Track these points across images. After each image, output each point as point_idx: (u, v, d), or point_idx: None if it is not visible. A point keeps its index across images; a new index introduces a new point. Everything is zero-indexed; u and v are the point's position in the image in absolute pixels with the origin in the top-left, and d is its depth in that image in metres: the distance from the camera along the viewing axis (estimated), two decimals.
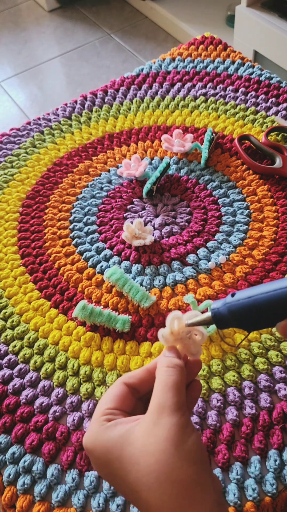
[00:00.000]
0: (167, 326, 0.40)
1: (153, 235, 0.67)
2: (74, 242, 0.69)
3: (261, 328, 0.39)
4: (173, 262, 0.65)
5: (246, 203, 0.71)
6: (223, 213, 0.70)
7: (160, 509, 0.31)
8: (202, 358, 0.56)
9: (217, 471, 0.49)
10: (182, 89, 0.87)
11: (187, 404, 0.37)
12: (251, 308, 0.36)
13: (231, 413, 0.52)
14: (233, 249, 0.66)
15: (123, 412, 0.36)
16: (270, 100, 0.83)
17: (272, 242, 0.66)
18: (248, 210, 0.70)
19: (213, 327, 0.57)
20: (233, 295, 0.38)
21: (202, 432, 0.51)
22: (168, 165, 0.73)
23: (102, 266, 0.66)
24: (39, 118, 0.85)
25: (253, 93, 0.84)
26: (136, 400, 0.38)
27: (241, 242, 0.67)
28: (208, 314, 0.39)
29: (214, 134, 0.77)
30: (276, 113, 0.81)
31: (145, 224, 0.70)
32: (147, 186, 0.72)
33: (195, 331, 0.40)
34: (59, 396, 0.55)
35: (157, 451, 0.32)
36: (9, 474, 0.50)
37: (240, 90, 0.85)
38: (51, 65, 2.00)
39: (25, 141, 0.82)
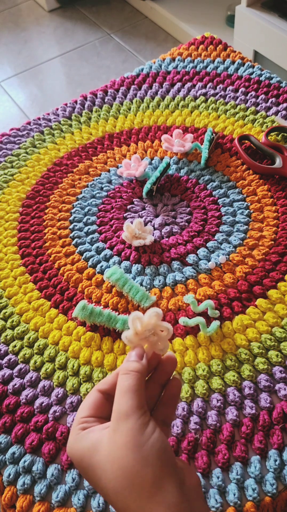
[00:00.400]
0: (130, 328, 0.39)
1: (153, 235, 0.67)
2: (74, 242, 0.69)
3: None
4: (173, 262, 0.65)
5: (246, 203, 0.71)
6: (223, 213, 0.70)
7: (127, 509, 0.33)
8: (202, 358, 0.56)
9: (217, 471, 0.49)
10: (182, 89, 0.87)
11: (167, 403, 0.39)
12: None
13: (231, 413, 0.52)
14: (233, 249, 0.66)
15: (99, 419, 0.38)
16: (270, 100, 0.83)
17: (272, 242, 0.66)
18: (248, 210, 0.70)
19: (214, 325, 0.57)
20: None
21: (202, 432, 0.51)
22: (168, 165, 0.73)
23: (102, 266, 0.66)
24: (39, 118, 0.85)
25: (253, 93, 0.84)
26: (111, 404, 0.38)
27: (241, 242, 0.67)
28: None
29: (214, 134, 0.77)
30: (276, 113, 0.81)
31: (145, 224, 0.70)
32: (147, 186, 0.72)
33: (160, 327, 0.40)
34: (59, 396, 0.55)
35: (118, 457, 0.33)
36: (9, 474, 0.50)
37: (240, 90, 0.85)
38: (51, 65, 2.00)
39: (25, 141, 0.82)
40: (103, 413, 0.38)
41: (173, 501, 0.32)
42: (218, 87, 0.86)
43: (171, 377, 0.41)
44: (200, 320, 0.58)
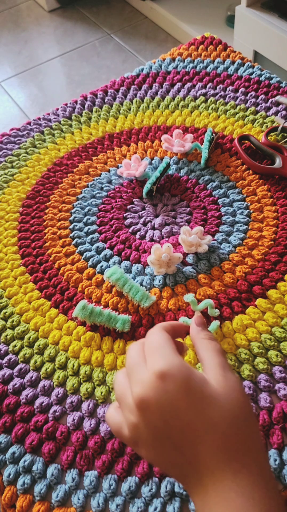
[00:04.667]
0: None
1: (178, 265, 0.65)
2: (74, 242, 0.69)
3: None
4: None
5: (246, 203, 0.71)
6: (223, 213, 0.70)
7: (236, 442, 0.34)
8: None
9: None
10: (182, 89, 0.87)
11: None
12: None
13: None
14: (233, 249, 0.66)
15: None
16: (270, 100, 0.83)
17: (272, 242, 0.66)
18: (248, 210, 0.70)
19: (214, 325, 0.57)
20: None
21: None
22: (168, 165, 0.73)
23: (102, 266, 0.66)
24: (39, 118, 0.85)
25: (253, 93, 0.84)
26: None
27: (241, 242, 0.67)
28: None
29: (214, 134, 0.77)
30: (276, 113, 0.81)
31: (145, 224, 0.70)
32: (147, 186, 0.72)
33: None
34: (59, 396, 0.55)
35: (234, 398, 0.35)
36: (9, 474, 0.50)
37: (240, 90, 0.85)
38: (51, 65, 2.00)
39: (25, 141, 0.82)
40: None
41: (263, 443, 0.38)
42: (218, 87, 0.86)
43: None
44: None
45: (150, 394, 0.34)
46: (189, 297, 0.59)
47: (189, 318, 0.59)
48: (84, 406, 0.54)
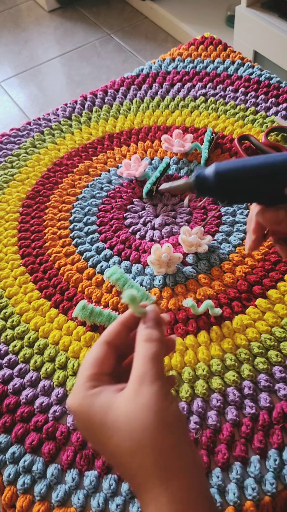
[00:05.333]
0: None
1: (177, 265, 0.65)
2: (74, 242, 0.69)
3: (244, 199, 0.36)
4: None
5: (245, 203, 0.71)
6: (223, 213, 0.70)
7: (140, 472, 0.33)
8: (202, 358, 0.56)
9: (217, 471, 0.49)
10: (182, 89, 0.87)
11: None
12: (240, 170, 0.34)
13: (231, 413, 0.52)
14: (233, 249, 0.66)
15: (107, 375, 0.37)
16: (270, 100, 0.83)
17: (272, 242, 0.66)
18: (247, 210, 0.70)
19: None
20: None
21: (202, 432, 0.51)
22: (168, 165, 0.73)
23: (102, 266, 0.66)
24: (39, 118, 0.85)
25: (253, 93, 0.84)
26: (116, 357, 0.39)
27: (240, 242, 0.67)
28: (190, 178, 0.37)
29: (214, 134, 0.77)
30: (276, 113, 0.81)
31: (145, 224, 0.70)
32: (147, 186, 0.72)
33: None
34: (59, 396, 0.55)
35: (139, 418, 0.33)
36: (9, 474, 0.50)
37: (240, 90, 0.85)
38: (51, 65, 2.00)
39: (25, 141, 0.82)
40: (109, 368, 0.38)
41: (189, 466, 0.33)
42: (218, 87, 0.86)
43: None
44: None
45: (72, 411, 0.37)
46: (188, 302, 0.59)
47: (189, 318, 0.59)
48: None
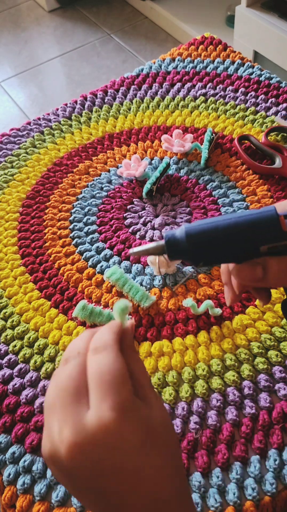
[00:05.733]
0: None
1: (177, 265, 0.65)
2: (74, 242, 0.69)
3: (217, 261, 0.35)
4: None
5: (246, 203, 0.71)
6: (223, 213, 0.70)
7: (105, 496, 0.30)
8: (202, 358, 0.56)
9: (217, 471, 0.49)
10: (182, 89, 0.87)
11: None
12: (211, 232, 0.33)
13: (231, 413, 0.52)
14: None
15: None
16: (270, 100, 0.83)
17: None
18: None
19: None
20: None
21: (202, 432, 0.51)
22: (168, 165, 0.73)
23: (102, 266, 0.66)
24: (39, 118, 0.85)
25: (253, 93, 0.84)
26: None
27: None
28: (161, 241, 0.35)
29: (214, 134, 0.77)
30: (276, 113, 0.81)
31: (145, 224, 0.70)
32: (147, 186, 0.72)
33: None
34: None
35: (100, 442, 0.29)
36: (9, 474, 0.50)
37: (240, 90, 0.85)
38: (51, 65, 2.00)
39: (25, 141, 0.82)
40: None
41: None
42: (218, 87, 0.86)
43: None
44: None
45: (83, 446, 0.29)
46: (188, 302, 0.59)
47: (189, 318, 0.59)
48: None
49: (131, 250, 0.38)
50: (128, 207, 0.73)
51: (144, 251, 0.37)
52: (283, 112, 0.81)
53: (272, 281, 0.36)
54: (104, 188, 0.75)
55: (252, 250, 0.34)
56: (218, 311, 0.59)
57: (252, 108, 0.82)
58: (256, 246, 0.33)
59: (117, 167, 0.77)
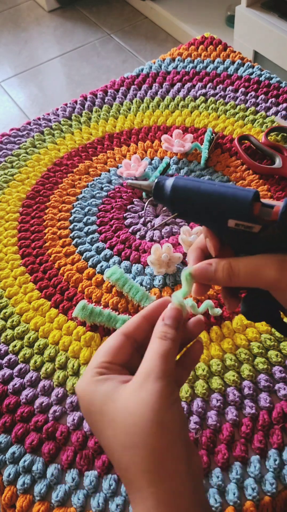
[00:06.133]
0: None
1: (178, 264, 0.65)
2: (74, 242, 0.69)
3: (191, 218, 0.39)
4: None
5: None
6: None
7: (130, 469, 0.32)
8: (202, 358, 0.56)
9: (217, 471, 0.49)
10: (182, 89, 0.87)
11: (185, 365, 0.39)
12: (193, 190, 0.37)
13: (231, 413, 0.52)
14: None
15: (118, 366, 0.37)
16: (270, 100, 0.83)
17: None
18: None
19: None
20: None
21: (202, 432, 0.51)
22: (168, 165, 0.73)
23: (102, 266, 0.66)
24: (39, 118, 0.85)
25: (253, 93, 0.84)
26: (134, 350, 0.38)
27: None
28: (151, 183, 0.40)
29: (214, 134, 0.77)
30: (276, 113, 0.81)
31: (145, 224, 0.70)
32: None
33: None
34: (59, 396, 0.55)
35: (136, 413, 0.33)
36: (9, 474, 0.50)
37: (240, 90, 0.85)
38: (51, 65, 2.00)
39: (25, 141, 0.82)
40: (123, 359, 0.37)
41: (182, 471, 0.32)
42: (218, 87, 0.86)
43: (195, 340, 0.41)
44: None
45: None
46: (188, 302, 0.59)
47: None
48: None
49: (128, 181, 0.45)
50: (128, 207, 0.73)
51: (138, 185, 0.43)
52: (283, 112, 0.81)
53: (238, 282, 0.39)
54: (104, 188, 0.75)
55: (221, 219, 0.36)
56: (218, 311, 0.59)
57: (252, 108, 0.82)
58: (224, 216, 0.36)
59: (117, 167, 0.77)
